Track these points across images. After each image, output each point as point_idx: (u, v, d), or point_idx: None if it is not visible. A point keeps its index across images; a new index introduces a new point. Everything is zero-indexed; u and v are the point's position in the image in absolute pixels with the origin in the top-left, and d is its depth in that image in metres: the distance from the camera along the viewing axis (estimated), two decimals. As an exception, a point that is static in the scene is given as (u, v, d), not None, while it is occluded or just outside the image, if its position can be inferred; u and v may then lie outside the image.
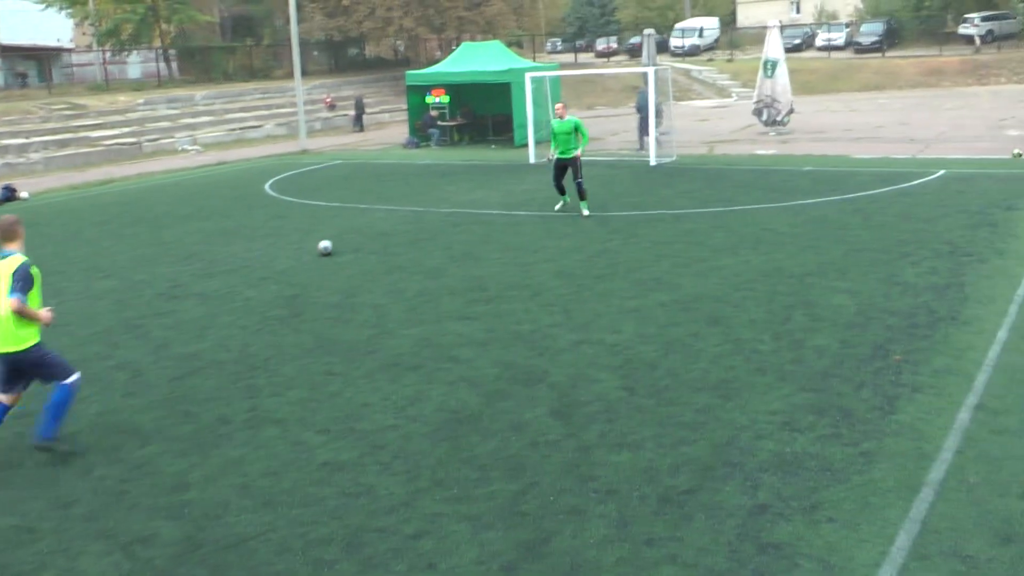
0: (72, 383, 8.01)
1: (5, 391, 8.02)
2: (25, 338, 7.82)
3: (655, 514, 6.40)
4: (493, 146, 32.80)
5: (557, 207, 17.90)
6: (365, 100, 45.60)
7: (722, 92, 51.12)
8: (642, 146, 28.21)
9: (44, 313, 7.97)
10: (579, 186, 17.29)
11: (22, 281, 7.75)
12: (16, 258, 7.91)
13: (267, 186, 24.99)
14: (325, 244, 15.77)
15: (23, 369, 7.96)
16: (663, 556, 5.88)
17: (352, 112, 43.04)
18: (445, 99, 34.24)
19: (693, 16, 69.72)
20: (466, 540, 6.22)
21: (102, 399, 9.36)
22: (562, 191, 17.69)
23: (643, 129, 28.72)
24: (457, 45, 36.91)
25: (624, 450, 7.41)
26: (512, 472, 7.17)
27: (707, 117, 39.13)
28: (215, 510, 6.87)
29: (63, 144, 34.78)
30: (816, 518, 6.19)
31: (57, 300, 13.55)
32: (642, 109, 28.75)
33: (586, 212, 17.37)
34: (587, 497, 6.69)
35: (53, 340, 11.53)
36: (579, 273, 13.24)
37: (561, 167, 17.48)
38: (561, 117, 17.39)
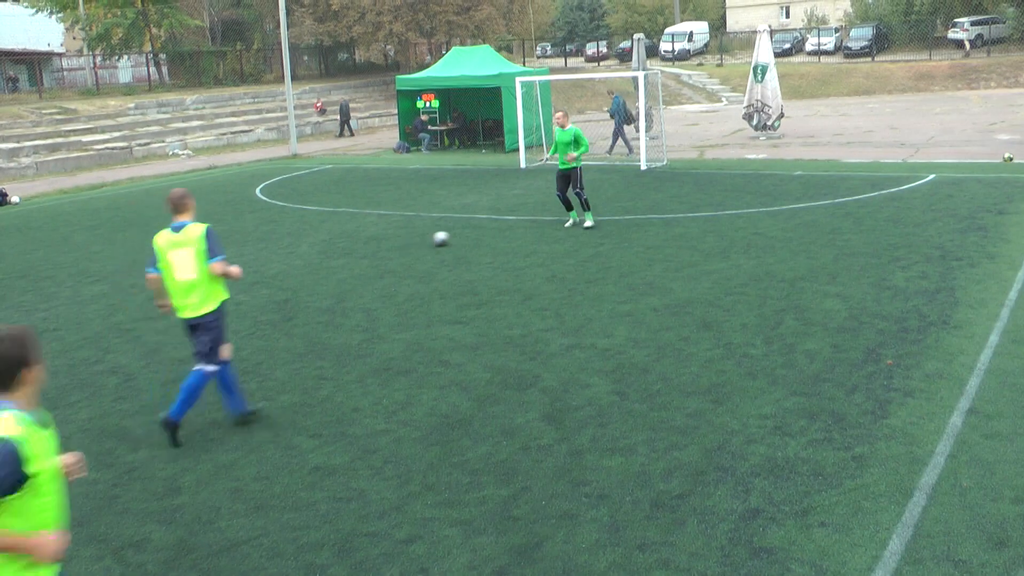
0: (210, 372, 8.14)
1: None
2: (214, 298, 8.19)
3: (647, 519, 6.39)
4: (483, 151, 32.82)
5: (567, 224, 17.13)
6: (355, 105, 45.57)
7: (712, 96, 51.24)
8: (630, 149, 28.41)
9: (235, 269, 8.37)
10: (579, 196, 16.80)
11: (217, 244, 8.17)
12: (198, 225, 8.18)
13: (258, 190, 24.95)
14: (441, 236, 15.93)
15: (196, 331, 8.17)
16: (655, 561, 5.88)
17: (329, 117, 42.97)
18: (435, 104, 34.26)
19: (683, 21, 69.91)
20: (458, 545, 6.21)
21: (93, 404, 9.32)
22: (568, 206, 17.10)
23: (618, 133, 28.93)
24: (447, 50, 36.94)
25: (616, 455, 7.41)
26: (504, 477, 7.16)
27: (697, 121, 39.20)
28: (207, 515, 6.85)
29: (54, 148, 34.70)
30: (808, 523, 6.19)
31: (47, 305, 13.51)
32: (616, 114, 28.99)
33: (589, 223, 16.81)
34: (579, 502, 6.68)
35: (44, 344, 11.51)
36: (571, 277, 13.24)
37: (563, 176, 16.90)
38: (562, 126, 16.79)
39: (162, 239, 8.15)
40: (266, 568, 6.08)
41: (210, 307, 8.13)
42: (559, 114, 17.04)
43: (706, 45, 65.96)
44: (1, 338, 3.88)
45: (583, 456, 7.42)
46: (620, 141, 28.93)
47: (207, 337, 8.13)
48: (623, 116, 28.96)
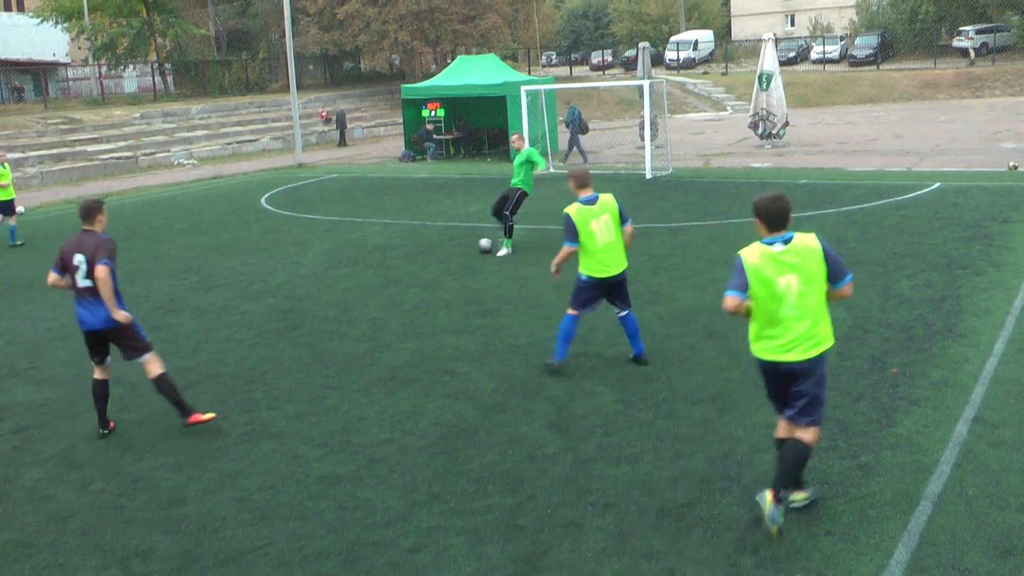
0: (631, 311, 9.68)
1: (591, 309, 9.60)
2: (625, 257, 9.49)
3: (653, 527, 6.39)
4: (489, 160, 32.86)
5: (494, 246, 16.19)
6: (361, 114, 45.61)
7: (717, 105, 51.28)
8: (584, 159, 29.21)
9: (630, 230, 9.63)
10: (505, 219, 15.80)
11: (624, 209, 9.54)
12: (606, 194, 9.43)
13: (263, 200, 25.00)
14: (485, 242, 15.86)
15: (617, 287, 9.47)
16: (661, 570, 5.87)
17: (333, 126, 43.14)
18: (440, 112, 34.32)
19: (688, 29, 70.01)
20: (464, 554, 6.21)
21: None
22: (496, 219, 16.34)
23: (573, 143, 29.81)
24: (452, 59, 37.00)
25: (622, 463, 7.41)
26: (510, 485, 7.16)
27: (702, 130, 39.23)
28: (212, 524, 6.86)
29: (59, 159, 34.81)
30: (814, 531, 6.18)
31: (54, 314, 13.54)
32: (571, 124, 29.75)
33: (503, 251, 15.76)
34: (585, 510, 6.68)
35: (50, 354, 11.54)
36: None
37: (504, 196, 16.05)
38: (518, 149, 15.85)
39: (579, 213, 9.18)
40: (272, 577, 6.10)
41: (625, 264, 9.44)
42: (514, 136, 16.32)
43: (711, 54, 66.04)
44: (780, 195, 6.70)
45: (589, 465, 7.42)
46: (576, 150, 29.93)
47: (622, 289, 9.51)
48: (578, 126, 29.64)
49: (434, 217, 20.28)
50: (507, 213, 15.84)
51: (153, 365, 8.58)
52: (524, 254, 15.66)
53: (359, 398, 9.30)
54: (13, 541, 6.82)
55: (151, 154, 37.20)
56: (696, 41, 65.24)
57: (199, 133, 41.33)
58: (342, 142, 42.22)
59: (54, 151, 35.32)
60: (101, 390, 8.71)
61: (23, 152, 34.36)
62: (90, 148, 36.65)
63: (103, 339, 8.58)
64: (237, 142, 40.83)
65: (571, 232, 9.17)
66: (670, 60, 62.89)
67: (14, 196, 20.34)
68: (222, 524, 6.85)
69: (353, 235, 18.65)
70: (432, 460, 7.71)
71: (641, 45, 32.14)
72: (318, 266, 15.83)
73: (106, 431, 8.73)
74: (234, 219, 21.89)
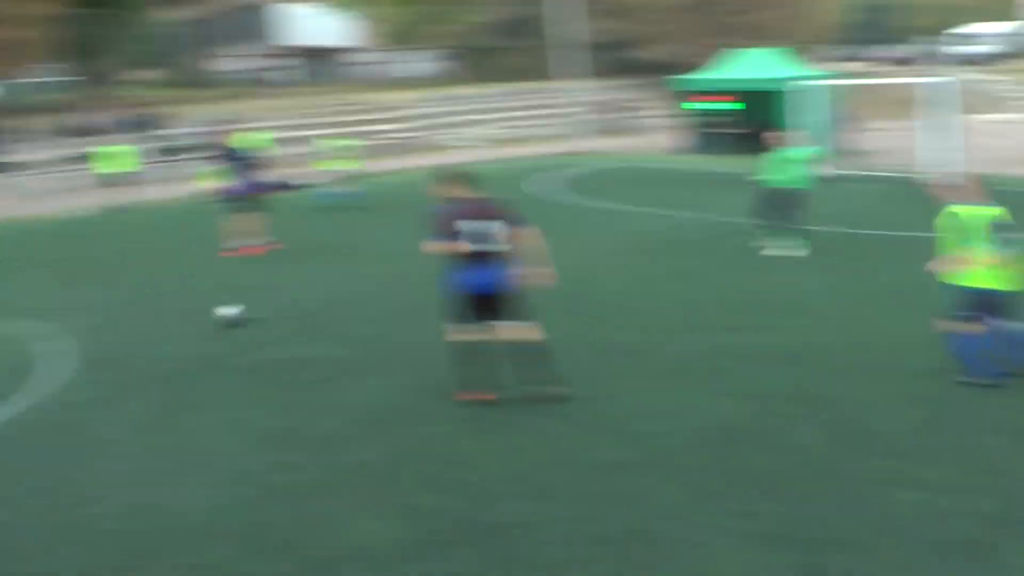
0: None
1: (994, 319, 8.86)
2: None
3: (941, 561, 5.99)
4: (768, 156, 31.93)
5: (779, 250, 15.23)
6: (639, 104, 45.61)
7: (1020, 106, 47.51)
8: (844, 157, 27.21)
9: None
10: (791, 223, 14.99)
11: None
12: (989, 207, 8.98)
13: (548, 184, 25.52)
14: (228, 312, 12.47)
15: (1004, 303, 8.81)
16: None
17: (609, 115, 43.44)
18: (729, 106, 33.57)
19: (982, 21, 65.00)
20: (738, 556, 6.13)
21: (385, 379, 9.96)
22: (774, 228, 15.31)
23: (835, 143, 27.57)
24: (731, 51, 36.27)
25: (909, 488, 6.97)
26: (789, 494, 6.95)
27: (1004, 133, 36.38)
28: (490, 493, 7.15)
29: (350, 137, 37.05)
30: None
31: (360, 276, 14.38)
32: (829, 123, 27.48)
33: (801, 252, 14.92)
34: (865, 531, 6.39)
35: (352, 313, 12.20)
36: (871, 295, 12.57)
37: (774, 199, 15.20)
38: (782, 147, 15.30)
39: (965, 213, 8.81)
40: (542, 554, 6.25)
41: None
42: (777, 134, 15.72)
43: (1013, 47, 60.98)
44: None
45: (873, 485, 7.06)
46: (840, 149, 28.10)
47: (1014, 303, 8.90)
48: (838, 125, 28.16)
49: (718, 211, 19.84)
50: (787, 218, 15.10)
51: (536, 331, 8.82)
52: (817, 254, 14.94)
53: (640, 388, 9.34)
54: (312, 481, 7.52)
55: (432, 135, 38.95)
56: (993, 34, 60.39)
57: (480, 117, 42.76)
58: (620, 131, 42.36)
59: (343, 130, 37.58)
60: (484, 350, 8.78)
61: (315, 130, 36.81)
62: (376, 127, 38.81)
63: (492, 301, 8.71)
64: (515, 127, 41.95)
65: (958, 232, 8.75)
66: (964, 55, 58.73)
67: (359, 166, 24.47)
68: (501, 495, 7.12)
69: (631, 225, 18.68)
70: (712, 458, 7.63)
71: (935, 39, 30.26)
72: (595, 253, 15.96)
73: (491, 398, 8.85)
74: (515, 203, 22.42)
